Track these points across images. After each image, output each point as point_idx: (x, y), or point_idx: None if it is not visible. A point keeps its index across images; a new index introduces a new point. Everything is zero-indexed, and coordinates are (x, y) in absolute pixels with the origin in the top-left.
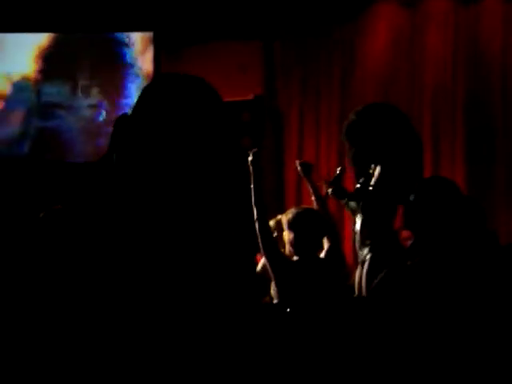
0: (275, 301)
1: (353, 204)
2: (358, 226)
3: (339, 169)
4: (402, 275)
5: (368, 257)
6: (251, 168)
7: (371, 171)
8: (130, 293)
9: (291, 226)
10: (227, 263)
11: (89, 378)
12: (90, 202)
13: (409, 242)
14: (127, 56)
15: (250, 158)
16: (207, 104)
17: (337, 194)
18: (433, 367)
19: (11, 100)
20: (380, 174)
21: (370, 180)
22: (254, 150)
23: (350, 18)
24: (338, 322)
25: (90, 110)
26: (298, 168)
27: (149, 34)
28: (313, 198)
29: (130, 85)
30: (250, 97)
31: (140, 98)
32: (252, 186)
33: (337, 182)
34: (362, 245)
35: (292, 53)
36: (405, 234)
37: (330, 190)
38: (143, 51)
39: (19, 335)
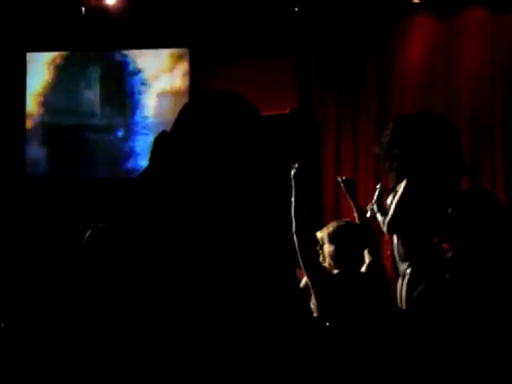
0: (315, 315)
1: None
2: (395, 240)
3: (379, 185)
4: (441, 289)
5: (408, 271)
6: (293, 181)
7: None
8: (177, 308)
9: (332, 238)
10: (268, 277)
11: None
12: (135, 218)
13: (449, 254)
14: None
15: (293, 172)
16: (246, 119)
17: (379, 211)
18: (471, 381)
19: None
20: (405, 190)
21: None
22: (299, 163)
23: (386, 30)
24: (378, 335)
25: (107, 129)
26: (341, 185)
27: (178, 50)
28: (355, 214)
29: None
30: (287, 111)
31: (180, 115)
32: (293, 199)
33: (378, 199)
34: (401, 259)
35: (328, 66)
36: (445, 245)
37: (372, 207)
38: (171, 68)
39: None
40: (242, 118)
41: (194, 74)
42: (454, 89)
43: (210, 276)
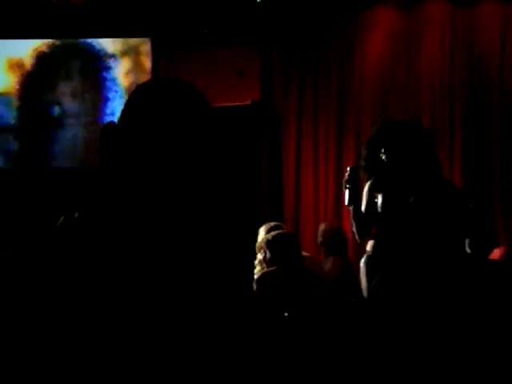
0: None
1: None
2: (368, 247)
3: (349, 169)
4: (398, 278)
5: (363, 260)
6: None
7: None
8: (130, 295)
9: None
10: (221, 264)
11: (85, 378)
12: (88, 208)
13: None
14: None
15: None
16: (194, 108)
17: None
18: (431, 369)
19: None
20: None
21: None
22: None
23: (348, 22)
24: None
25: (78, 118)
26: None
27: (139, 40)
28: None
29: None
30: (248, 102)
31: (126, 104)
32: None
33: (351, 181)
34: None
35: (289, 58)
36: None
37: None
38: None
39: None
40: (190, 107)
41: (155, 64)
42: (413, 81)
43: (159, 267)
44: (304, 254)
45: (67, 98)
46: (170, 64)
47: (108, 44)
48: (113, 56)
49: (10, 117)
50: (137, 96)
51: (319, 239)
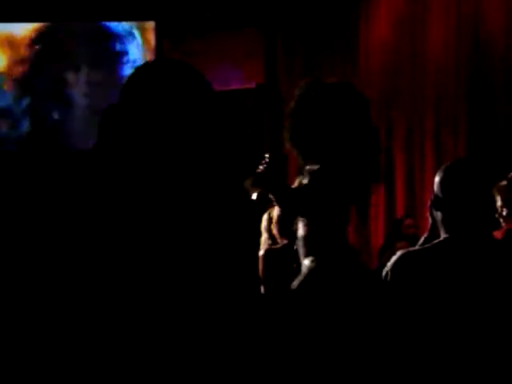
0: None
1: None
2: (301, 232)
3: (267, 156)
4: (419, 257)
5: (310, 265)
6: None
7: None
8: (127, 288)
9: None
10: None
11: (81, 374)
12: (82, 192)
13: (412, 230)
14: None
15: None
16: (194, 89)
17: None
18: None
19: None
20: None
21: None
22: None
23: (352, 5)
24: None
25: (85, 100)
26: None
27: (144, 23)
28: None
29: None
30: (253, 85)
31: (125, 86)
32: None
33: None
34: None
35: (293, 41)
36: (408, 221)
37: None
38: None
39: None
40: (189, 87)
41: (159, 48)
42: (419, 64)
43: (157, 256)
44: None
45: (79, 80)
46: (174, 47)
47: (122, 25)
48: (127, 36)
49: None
50: (136, 77)
51: None
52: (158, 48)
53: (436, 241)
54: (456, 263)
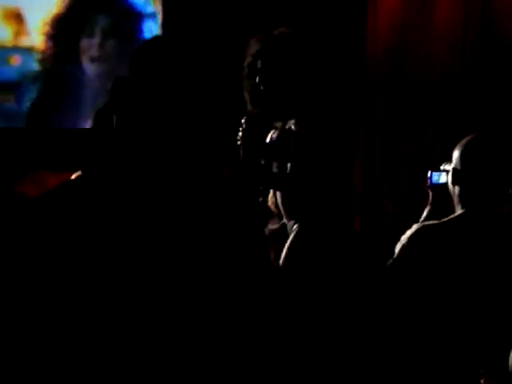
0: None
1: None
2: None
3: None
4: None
5: (294, 227)
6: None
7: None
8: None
9: None
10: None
11: (81, 373)
12: (98, 168)
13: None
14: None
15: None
16: (201, 64)
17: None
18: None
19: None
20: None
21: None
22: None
23: None
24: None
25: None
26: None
27: None
28: None
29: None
30: None
31: (134, 59)
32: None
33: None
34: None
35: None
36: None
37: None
38: None
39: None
40: (197, 60)
41: (166, 22)
42: (426, 43)
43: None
44: None
45: (93, 57)
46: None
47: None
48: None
49: (6, 73)
50: (145, 52)
51: None
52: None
53: (453, 215)
54: (475, 238)
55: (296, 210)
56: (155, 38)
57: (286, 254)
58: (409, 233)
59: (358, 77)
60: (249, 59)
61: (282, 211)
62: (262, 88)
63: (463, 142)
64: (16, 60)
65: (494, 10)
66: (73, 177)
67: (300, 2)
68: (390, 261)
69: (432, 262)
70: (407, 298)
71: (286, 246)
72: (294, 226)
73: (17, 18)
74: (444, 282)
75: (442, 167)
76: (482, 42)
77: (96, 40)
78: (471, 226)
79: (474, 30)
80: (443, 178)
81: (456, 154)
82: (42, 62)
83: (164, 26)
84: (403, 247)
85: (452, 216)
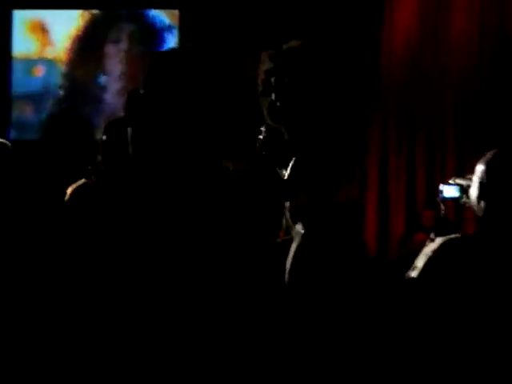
0: None
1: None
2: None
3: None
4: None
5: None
6: None
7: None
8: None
9: None
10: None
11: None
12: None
13: (432, 222)
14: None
15: None
16: (218, 76)
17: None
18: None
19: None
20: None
21: None
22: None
23: None
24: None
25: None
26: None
27: (168, 11)
28: None
29: None
30: None
31: (149, 72)
32: None
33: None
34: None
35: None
36: (428, 213)
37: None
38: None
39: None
40: (210, 73)
41: (183, 37)
42: (441, 55)
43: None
44: None
45: (115, 67)
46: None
47: (164, 15)
48: (169, 28)
49: (30, 84)
50: (158, 64)
51: None
52: (182, 37)
53: (480, 230)
54: (502, 253)
55: (301, 214)
56: (169, 51)
57: (292, 260)
58: (434, 246)
59: (372, 91)
60: (262, 76)
61: (288, 217)
62: (278, 104)
63: (488, 156)
64: (40, 71)
65: (511, 22)
66: (74, 186)
67: (314, 11)
68: (413, 273)
69: (460, 276)
70: (434, 310)
71: (291, 251)
72: (299, 229)
73: (42, 30)
74: (472, 296)
75: (451, 181)
76: (498, 55)
77: (123, 45)
78: (498, 240)
79: (490, 41)
80: (455, 191)
81: (481, 168)
82: (65, 73)
83: (181, 39)
84: (429, 260)
85: (479, 230)
